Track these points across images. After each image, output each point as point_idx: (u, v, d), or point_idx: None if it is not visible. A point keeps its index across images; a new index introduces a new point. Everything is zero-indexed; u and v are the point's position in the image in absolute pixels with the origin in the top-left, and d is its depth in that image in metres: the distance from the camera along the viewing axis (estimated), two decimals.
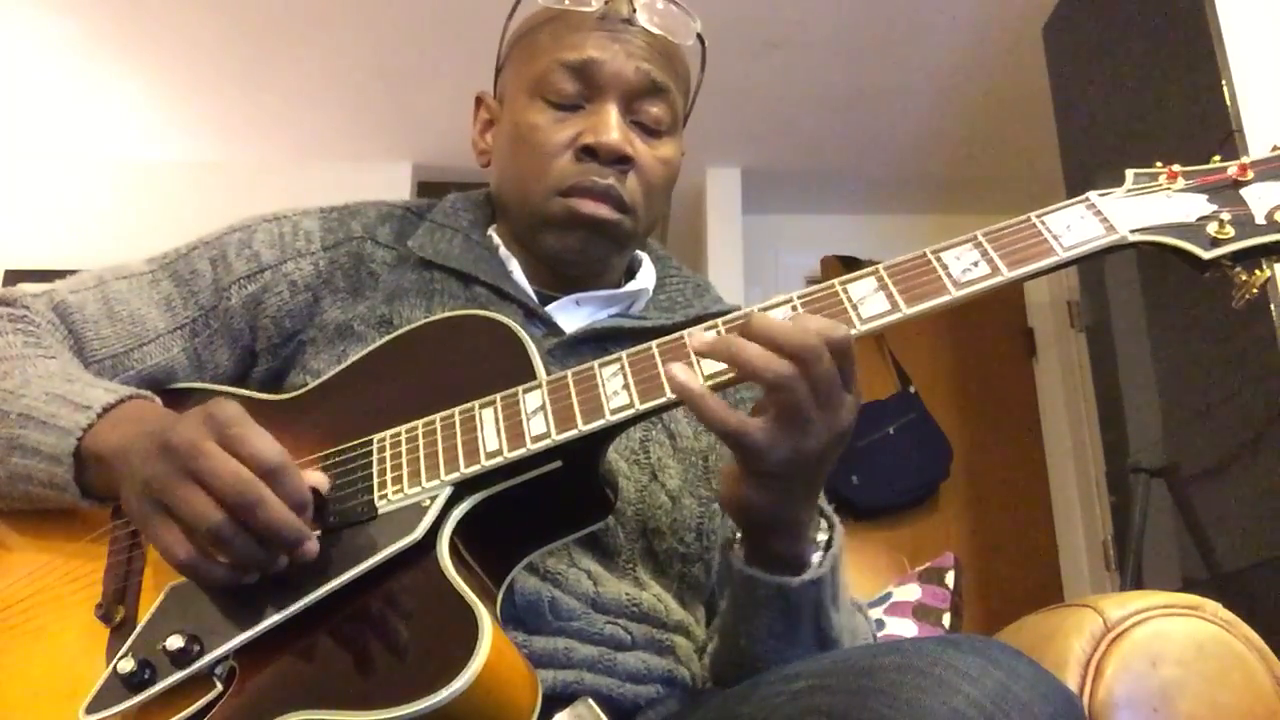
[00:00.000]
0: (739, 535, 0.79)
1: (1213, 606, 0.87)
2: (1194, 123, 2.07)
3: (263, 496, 0.67)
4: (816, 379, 0.68)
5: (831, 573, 0.78)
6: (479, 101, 1.10)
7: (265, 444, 0.68)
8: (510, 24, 1.07)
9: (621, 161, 0.97)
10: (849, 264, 3.69)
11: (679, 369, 0.70)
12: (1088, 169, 2.53)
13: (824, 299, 0.73)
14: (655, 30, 0.99)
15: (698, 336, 0.72)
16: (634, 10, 0.99)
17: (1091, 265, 2.56)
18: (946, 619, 1.90)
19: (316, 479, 0.73)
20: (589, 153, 0.96)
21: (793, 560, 0.77)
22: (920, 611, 1.90)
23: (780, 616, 0.78)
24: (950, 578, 1.97)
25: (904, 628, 1.87)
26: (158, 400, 0.84)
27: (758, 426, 0.69)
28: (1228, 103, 1.95)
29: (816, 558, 0.78)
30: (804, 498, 0.74)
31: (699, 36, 1.04)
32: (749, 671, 0.79)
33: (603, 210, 0.96)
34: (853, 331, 0.71)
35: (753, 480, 0.72)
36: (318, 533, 0.72)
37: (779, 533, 0.76)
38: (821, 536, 0.79)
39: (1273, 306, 1.82)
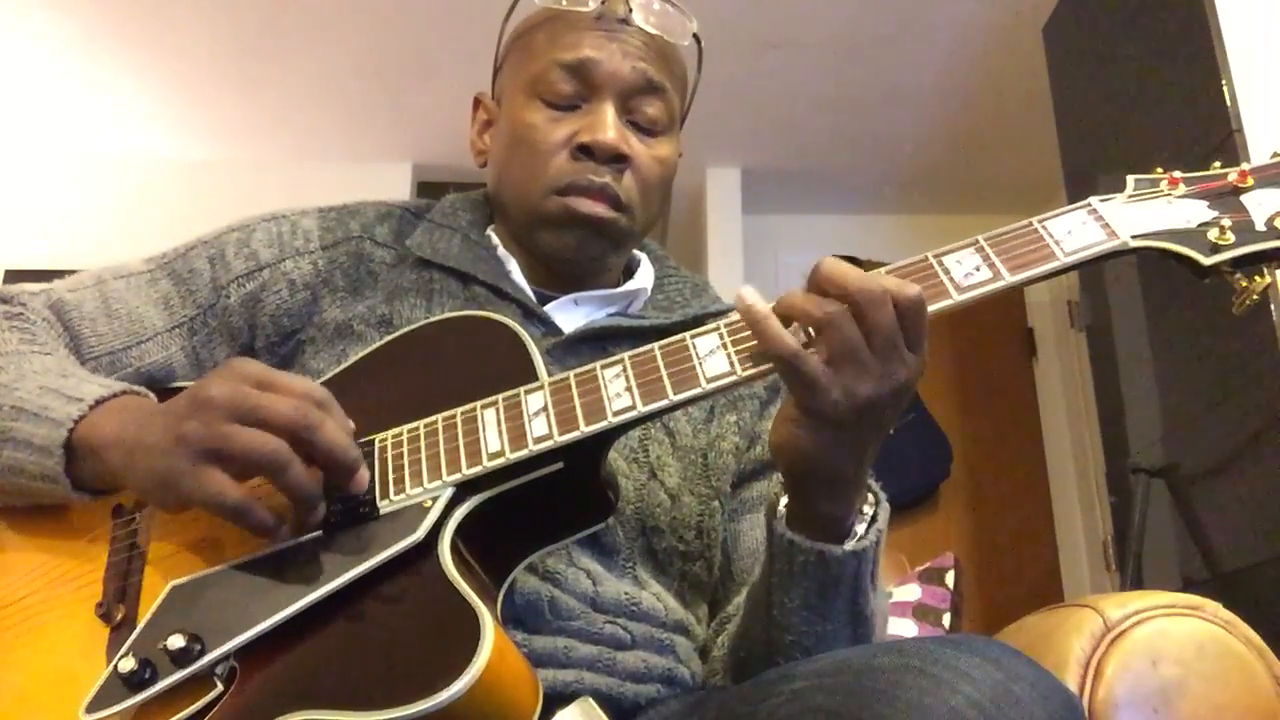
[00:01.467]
0: (783, 500, 0.78)
1: (1213, 606, 0.87)
2: (1194, 123, 2.07)
3: (322, 419, 0.69)
4: (874, 324, 0.68)
5: (875, 547, 0.77)
6: (477, 102, 1.10)
7: (307, 381, 0.72)
8: (507, 25, 1.07)
9: (618, 160, 0.97)
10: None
11: (749, 291, 0.70)
12: (1087, 169, 2.54)
13: None
14: (651, 30, 1.00)
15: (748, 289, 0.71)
16: (630, 10, 0.99)
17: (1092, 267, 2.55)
18: (946, 619, 1.90)
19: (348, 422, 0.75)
20: (585, 151, 0.96)
21: (835, 523, 0.75)
22: (920, 611, 1.91)
23: (817, 587, 0.76)
24: (950, 578, 1.97)
25: (904, 628, 1.87)
26: (152, 396, 0.84)
27: (815, 359, 0.68)
28: (1228, 103, 1.96)
29: (860, 529, 0.77)
30: (852, 451, 0.72)
31: (695, 36, 1.04)
32: (776, 649, 0.78)
33: (599, 209, 0.96)
34: None
35: (803, 420, 0.71)
36: (318, 533, 0.72)
37: (824, 488, 0.74)
38: (868, 510, 0.78)
39: (1273, 308, 1.82)
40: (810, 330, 0.70)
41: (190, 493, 0.69)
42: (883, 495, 0.80)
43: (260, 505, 0.69)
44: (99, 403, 0.79)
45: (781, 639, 0.79)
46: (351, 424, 0.73)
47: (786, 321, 0.70)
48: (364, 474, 0.72)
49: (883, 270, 0.74)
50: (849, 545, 0.75)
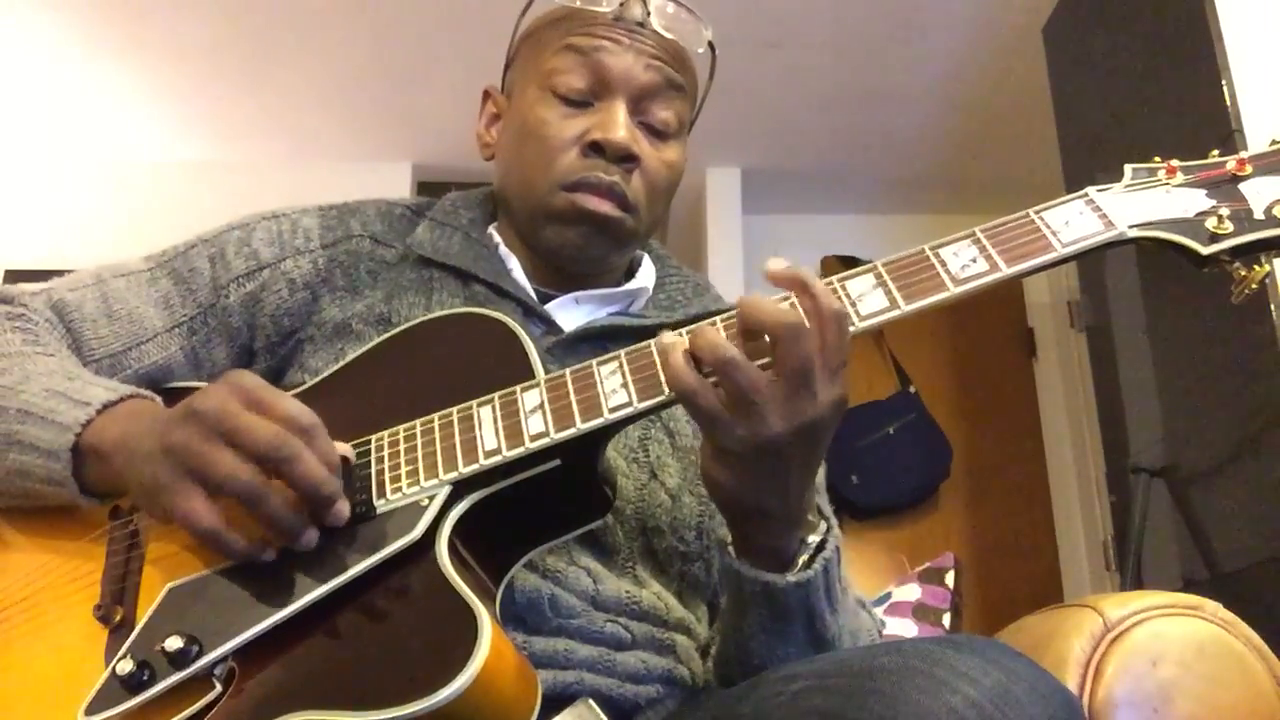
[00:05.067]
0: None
1: (1213, 606, 0.87)
2: (1194, 122, 2.07)
3: (299, 451, 0.67)
4: (784, 360, 0.67)
5: (823, 576, 0.77)
6: (486, 95, 1.10)
7: (295, 406, 0.70)
8: (522, 20, 1.07)
9: (628, 160, 0.97)
10: (849, 264, 3.69)
11: (668, 334, 0.71)
12: (1087, 169, 2.53)
13: None
14: (667, 35, 1.00)
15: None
16: (648, 14, 0.99)
17: (1092, 265, 2.56)
18: (946, 619, 1.90)
19: (343, 447, 0.73)
20: (596, 149, 0.96)
21: (775, 554, 0.76)
22: (920, 611, 1.91)
23: (769, 614, 0.77)
24: (950, 578, 1.97)
25: (904, 628, 1.87)
26: (158, 399, 0.84)
27: (712, 396, 0.68)
28: (1228, 102, 1.96)
29: (803, 559, 0.77)
30: (774, 486, 0.72)
31: (710, 44, 1.04)
32: (749, 669, 0.78)
33: (606, 207, 0.96)
34: (851, 329, 0.71)
35: (717, 455, 0.71)
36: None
37: (753, 521, 0.75)
38: (813, 539, 0.78)
39: (1272, 307, 1.82)
40: None
41: (169, 509, 0.69)
42: (833, 522, 0.80)
43: (232, 533, 0.68)
44: (106, 407, 0.79)
45: (749, 661, 0.79)
46: (337, 452, 0.71)
47: (743, 324, 0.70)
48: (342, 508, 0.70)
49: (878, 264, 0.74)
50: (792, 577, 0.75)
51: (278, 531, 0.69)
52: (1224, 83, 1.97)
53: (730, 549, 0.78)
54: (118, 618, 0.75)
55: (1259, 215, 0.72)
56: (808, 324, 0.68)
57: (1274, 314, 1.81)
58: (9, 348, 0.88)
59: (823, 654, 0.77)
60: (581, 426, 0.72)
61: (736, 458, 0.70)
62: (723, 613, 0.85)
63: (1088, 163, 2.55)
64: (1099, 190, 0.75)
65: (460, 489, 0.73)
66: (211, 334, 0.98)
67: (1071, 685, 0.82)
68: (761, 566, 0.76)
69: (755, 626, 0.78)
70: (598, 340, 0.96)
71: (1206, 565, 2.03)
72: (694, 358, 0.69)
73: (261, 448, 0.67)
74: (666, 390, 0.72)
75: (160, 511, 0.71)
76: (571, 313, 1.00)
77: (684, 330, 0.73)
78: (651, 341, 0.73)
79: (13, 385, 0.82)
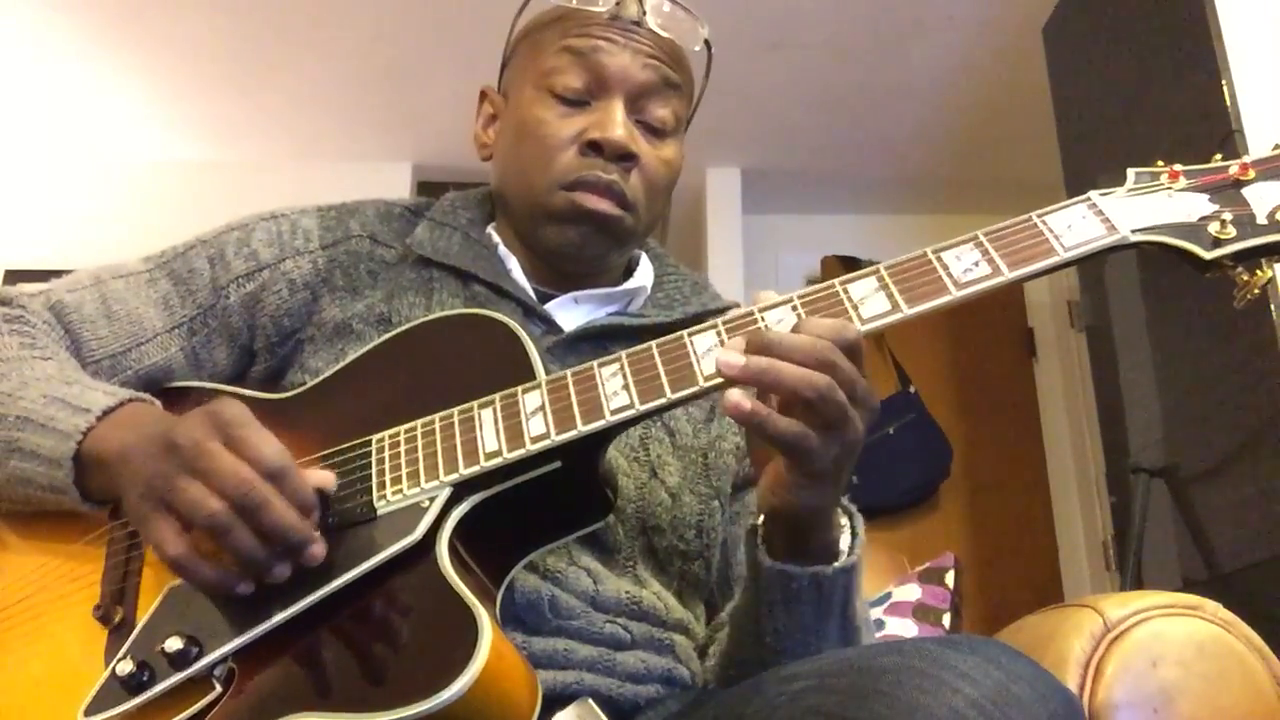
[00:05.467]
0: (761, 533, 0.79)
1: (1213, 606, 0.87)
2: (1194, 123, 2.07)
3: (267, 498, 0.66)
4: (846, 380, 0.69)
5: (860, 560, 0.79)
6: (483, 95, 1.10)
7: (269, 446, 0.68)
8: (518, 21, 1.07)
9: (626, 158, 0.97)
10: (849, 264, 3.69)
11: (740, 398, 0.69)
12: (1087, 169, 2.53)
13: (824, 299, 0.73)
14: (663, 33, 1.00)
15: (727, 361, 0.70)
16: (644, 13, 0.99)
17: (1092, 265, 2.56)
18: (946, 619, 1.90)
19: (322, 478, 0.73)
20: (594, 148, 0.96)
21: (827, 548, 0.78)
22: (920, 611, 1.90)
23: (813, 608, 0.77)
24: (950, 578, 1.97)
25: (904, 628, 1.87)
26: (157, 403, 0.84)
27: (811, 434, 0.70)
28: (1228, 102, 1.95)
29: (845, 543, 0.79)
30: (839, 485, 0.75)
31: (706, 43, 1.04)
32: (766, 669, 0.78)
33: (604, 205, 0.96)
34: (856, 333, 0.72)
35: (805, 483, 0.72)
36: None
37: (818, 526, 0.76)
38: (845, 522, 0.80)
39: (1273, 307, 1.81)
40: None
41: (147, 536, 0.70)
42: (852, 506, 0.82)
43: (201, 562, 0.68)
44: (106, 413, 0.79)
45: (779, 660, 0.79)
46: (313, 492, 0.70)
47: (768, 390, 0.70)
48: (315, 551, 0.69)
49: (880, 267, 0.74)
50: (840, 563, 0.77)
51: (245, 565, 0.68)
52: (1224, 83, 1.97)
53: (763, 551, 0.78)
54: (117, 618, 0.75)
55: (1262, 220, 0.72)
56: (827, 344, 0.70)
57: (1274, 315, 1.81)
58: (6, 352, 0.88)
59: (823, 654, 0.77)
60: (583, 428, 0.72)
61: (824, 476, 0.72)
62: (742, 617, 0.84)
63: (1087, 163, 2.55)
64: (1101, 194, 0.75)
65: (461, 490, 0.73)
66: (211, 334, 0.98)
67: (1071, 685, 0.82)
68: (807, 563, 0.77)
69: (795, 625, 0.78)
70: (597, 340, 0.96)
71: (1206, 565, 2.03)
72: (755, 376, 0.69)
73: (226, 492, 0.66)
74: (668, 392, 0.72)
75: (142, 535, 0.72)
76: (571, 312, 1.00)
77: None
78: (728, 412, 0.70)
79: (11, 391, 0.82)
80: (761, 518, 0.79)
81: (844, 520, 0.80)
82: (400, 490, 0.73)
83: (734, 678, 0.85)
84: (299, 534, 0.68)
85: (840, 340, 0.69)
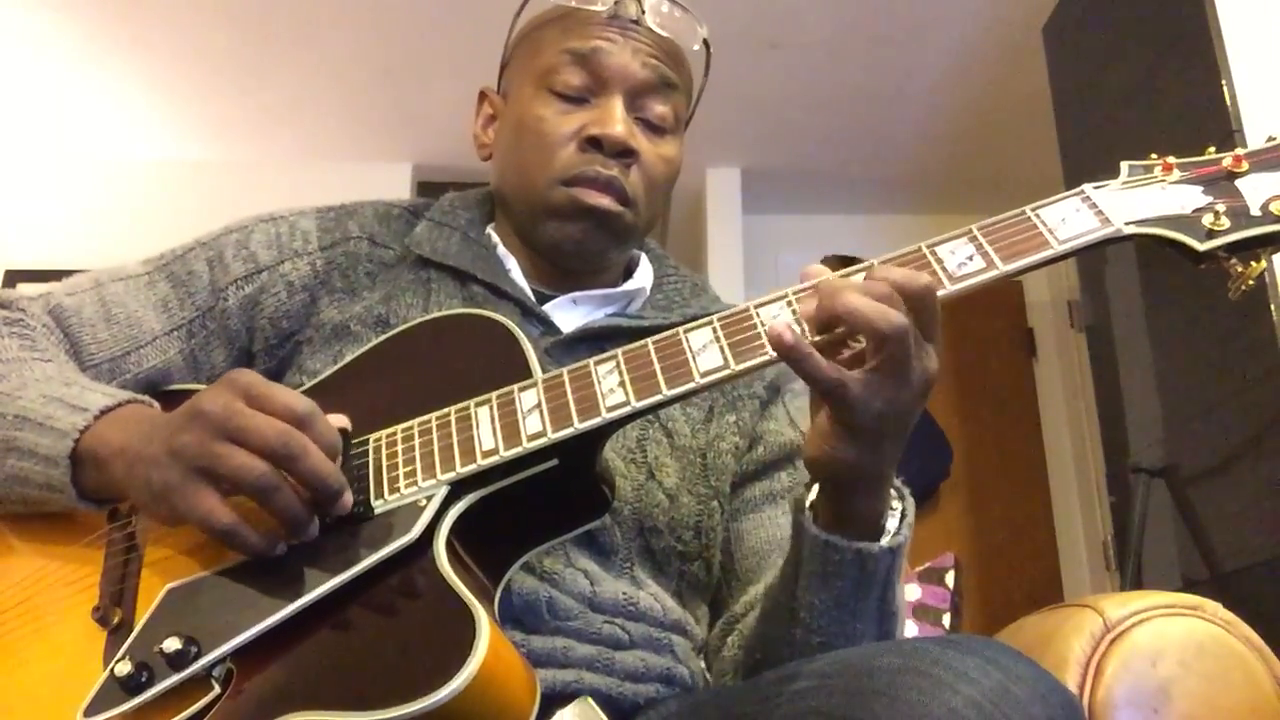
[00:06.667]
0: (810, 500, 0.76)
1: (1213, 606, 0.87)
2: (1194, 123, 2.07)
3: (305, 445, 0.68)
4: (922, 326, 0.67)
5: (906, 542, 0.76)
6: (482, 96, 1.10)
7: (291, 395, 0.70)
8: (517, 21, 1.08)
9: (626, 154, 0.97)
10: (849, 264, 3.66)
11: (784, 328, 0.67)
12: (1087, 169, 2.53)
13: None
14: (662, 32, 1.00)
15: (807, 271, 0.69)
16: (642, 12, 1.00)
17: (1092, 264, 2.56)
18: (946, 619, 1.90)
19: (338, 419, 0.74)
20: (594, 144, 0.96)
21: (871, 521, 0.75)
22: (920, 611, 1.91)
23: (852, 586, 0.75)
24: (950, 578, 1.97)
25: (904, 628, 1.87)
26: (155, 404, 0.84)
27: (856, 379, 0.67)
28: (1228, 102, 1.96)
29: (892, 524, 0.76)
30: (891, 452, 0.72)
31: (705, 42, 1.05)
32: (797, 650, 0.77)
33: (605, 201, 0.97)
34: None
35: (845, 435, 0.69)
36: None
37: (862, 490, 0.73)
38: (897, 505, 0.77)
39: (1272, 306, 1.82)
40: (852, 338, 0.69)
41: (184, 511, 0.70)
42: (906, 490, 0.79)
43: (249, 528, 0.69)
44: (104, 412, 0.79)
45: (809, 640, 0.77)
46: (338, 434, 0.72)
47: (835, 321, 0.68)
48: (347, 499, 0.71)
49: (876, 261, 0.74)
50: (886, 542, 0.74)
51: (288, 524, 0.69)
52: (1224, 83, 1.97)
53: (809, 520, 0.75)
54: (116, 619, 0.75)
55: (1255, 211, 0.72)
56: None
57: (1274, 314, 1.81)
58: (6, 354, 0.88)
59: (823, 654, 0.77)
60: (579, 426, 0.72)
61: (869, 433, 0.69)
62: (777, 593, 0.82)
63: (1087, 163, 2.55)
64: (1095, 187, 0.75)
65: (458, 489, 0.73)
66: (210, 337, 0.98)
67: (1071, 685, 0.82)
68: (853, 536, 0.74)
69: (831, 602, 0.76)
70: (596, 341, 0.96)
71: (1206, 565, 2.03)
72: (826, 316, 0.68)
73: (270, 446, 0.67)
74: (665, 388, 0.71)
75: (169, 514, 0.71)
76: (569, 313, 1.00)
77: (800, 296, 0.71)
78: (771, 345, 0.69)
79: (10, 391, 0.82)
80: (811, 493, 0.77)
81: (896, 503, 0.77)
82: (398, 489, 0.73)
83: (758, 663, 0.83)
84: (337, 481, 0.69)
85: (905, 285, 0.67)
